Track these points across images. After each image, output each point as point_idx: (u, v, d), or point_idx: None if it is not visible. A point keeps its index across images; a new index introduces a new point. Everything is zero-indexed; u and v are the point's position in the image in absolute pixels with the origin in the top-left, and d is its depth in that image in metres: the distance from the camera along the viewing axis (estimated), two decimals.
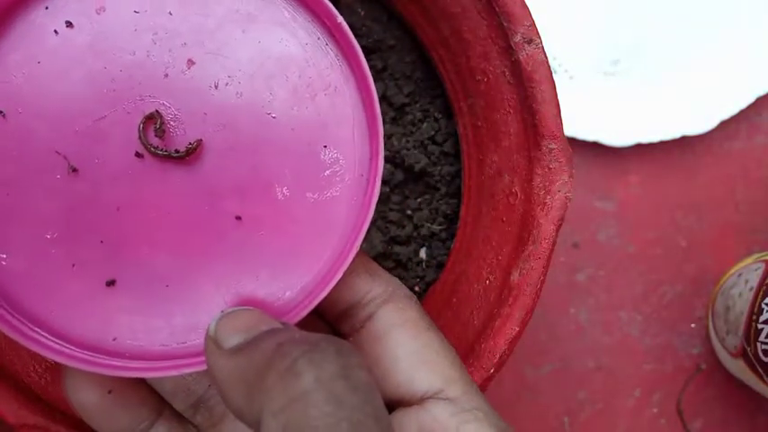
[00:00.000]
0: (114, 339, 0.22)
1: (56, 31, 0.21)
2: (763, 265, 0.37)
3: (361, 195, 0.22)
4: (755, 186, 0.43)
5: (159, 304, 0.22)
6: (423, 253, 0.31)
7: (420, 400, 0.22)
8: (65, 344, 0.21)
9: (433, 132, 0.31)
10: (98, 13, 0.22)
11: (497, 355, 0.25)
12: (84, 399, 0.22)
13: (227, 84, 0.22)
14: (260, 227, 0.22)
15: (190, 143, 0.22)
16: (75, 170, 0.22)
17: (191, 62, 0.22)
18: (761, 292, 0.35)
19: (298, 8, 0.22)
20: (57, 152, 0.21)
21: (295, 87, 0.22)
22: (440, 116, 0.31)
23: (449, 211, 0.31)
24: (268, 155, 0.22)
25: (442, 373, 0.22)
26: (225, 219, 0.22)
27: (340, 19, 0.22)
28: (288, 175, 0.22)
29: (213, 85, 0.22)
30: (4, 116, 0.21)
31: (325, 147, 0.22)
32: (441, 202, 0.31)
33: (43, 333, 0.21)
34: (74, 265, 0.22)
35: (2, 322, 0.21)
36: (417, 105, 0.31)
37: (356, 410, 0.17)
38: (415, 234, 0.31)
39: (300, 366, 0.17)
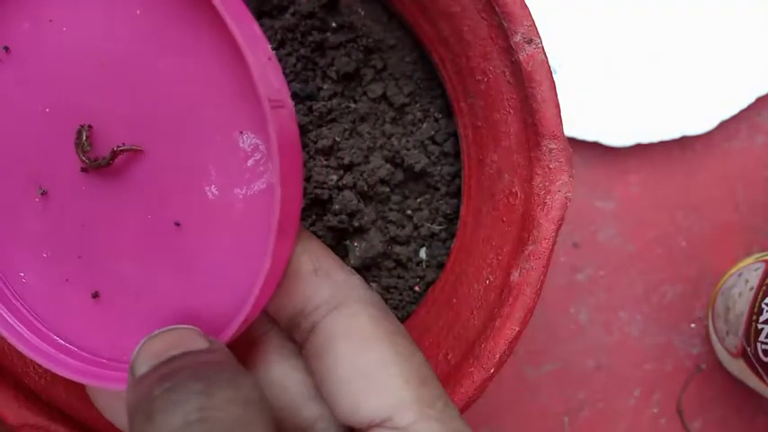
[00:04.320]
0: (107, 350, 0.22)
1: None
2: (763, 265, 0.37)
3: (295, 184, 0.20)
4: (755, 186, 0.43)
5: (136, 315, 0.22)
6: (423, 253, 0.31)
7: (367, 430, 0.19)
8: (67, 357, 0.22)
9: (433, 132, 0.31)
10: (34, 37, 0.21)
11: (497, 355, 0.25)
12: (104, 403, 0.23)
13: (145, 89, 0.21)
14: (197, 231, 0.21)
15: (113, 149, 0.21)
16: (45, 193, 0.22)
17: (118, 75, 0.21)
18: (761, 292, 0.35)
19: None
20: (28, 176, 0.22)
21: None
22: (440, 116, 0.31)
23: (449, 211, 0.31)
24: (187, 151, 0.21)
25: (392, 397, 0.18)
26: (166, 226, 0.21)
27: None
28: (212, 172, 0.20)
29: (132, 93, 0.21)
30: None
31: (242, 132, 0.20)
32: (441, 202, 0.31)
33: (48, 346, 0.22)
34: (67, 280, 0.22)
35: (21, 341, 0.22)
36: (417, 105, 0.31)
37: None
38: (415, 234, 0.31)
39: (157, 408, 0.16)
